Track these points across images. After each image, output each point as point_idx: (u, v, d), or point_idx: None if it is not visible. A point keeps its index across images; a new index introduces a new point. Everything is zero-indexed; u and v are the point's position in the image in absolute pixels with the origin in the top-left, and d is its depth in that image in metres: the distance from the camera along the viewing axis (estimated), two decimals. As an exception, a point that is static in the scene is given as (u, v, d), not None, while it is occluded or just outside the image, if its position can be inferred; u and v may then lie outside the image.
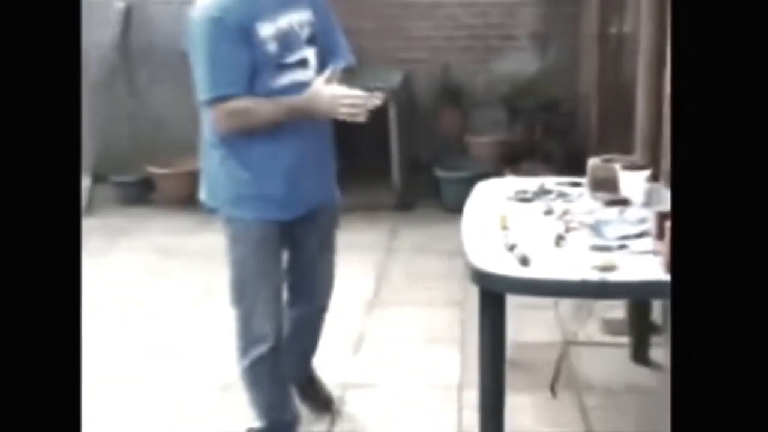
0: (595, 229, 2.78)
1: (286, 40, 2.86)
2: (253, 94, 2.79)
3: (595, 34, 6.02)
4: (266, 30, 2.79)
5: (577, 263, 2.51)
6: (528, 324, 3.99)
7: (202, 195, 3.10)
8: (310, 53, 2.94)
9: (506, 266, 2.51)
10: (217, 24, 2.72)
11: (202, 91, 2.79)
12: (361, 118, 2.78)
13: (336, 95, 2.79)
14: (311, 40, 2.95)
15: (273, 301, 3.06)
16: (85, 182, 6.58)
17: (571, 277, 2.44)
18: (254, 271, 3.01)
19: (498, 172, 5.31)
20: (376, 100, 2.81)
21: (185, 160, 6.72)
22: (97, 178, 6.71)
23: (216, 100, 2.78)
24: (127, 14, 6.94)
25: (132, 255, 5.58)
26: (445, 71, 6.73)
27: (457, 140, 6.77)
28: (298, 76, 2.89)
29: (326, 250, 3.29)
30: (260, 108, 2.81)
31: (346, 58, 3.06)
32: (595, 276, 2.42)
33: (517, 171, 5.71)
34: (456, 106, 6.80)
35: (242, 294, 3.04)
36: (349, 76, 3.03)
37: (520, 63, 6.83)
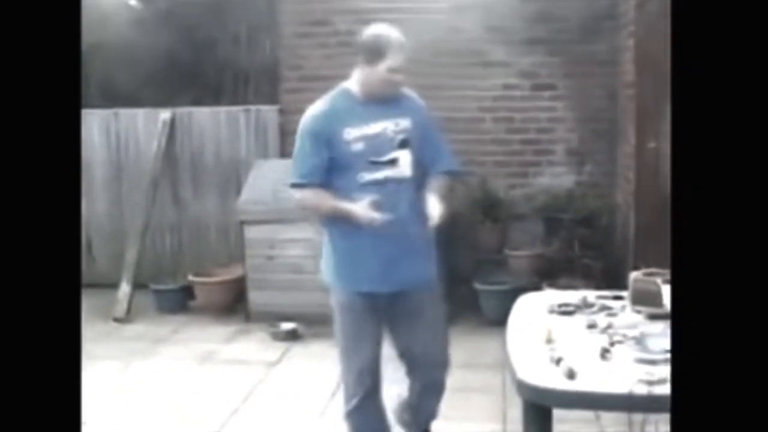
0: (639, 343, 2.77)
1: (376, 143, 3.48)
2: (342, 185, 3.47)
3: (632, 148, 6.09)
4: (353, 134, 3.46)
5: (623, 376, 2.50)
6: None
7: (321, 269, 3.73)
8: (401, 154, 3.53)
9: (553, 379, 2.51)
10: (305, 130, 3.51)
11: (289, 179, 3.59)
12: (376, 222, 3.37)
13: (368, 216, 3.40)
14: (404, 144, 3.53)
15: (367, 360, 3.61)
16: (126, 289, 6.67)
17: (618, 390, 2.43)
18: (350, 335, 3.61)
19: (537, 286, 5.32)
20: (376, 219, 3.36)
21: (225, 269, 6.81)
22: (137, 285, 6.80)
23: (293, 186, 3.55)
24: (172, 124, 7.14)
25: (171, 362, 5.60)
26: (483, 185, 6.82)
27: (496, 254, 6.81)
28: (389, 172, 3.49)
29: (429, 326, 3.70)
30: (322, 201, 3.53)
31: (446, 165, 3.68)
32: (642, 389, 2.41)
33: (556, 285, 5.73)
34: (495, 220, 6.86)
35: (342, 353, 3.64)
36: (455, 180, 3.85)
37: (557, 177, 6.92)
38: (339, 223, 3.50)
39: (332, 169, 3.48)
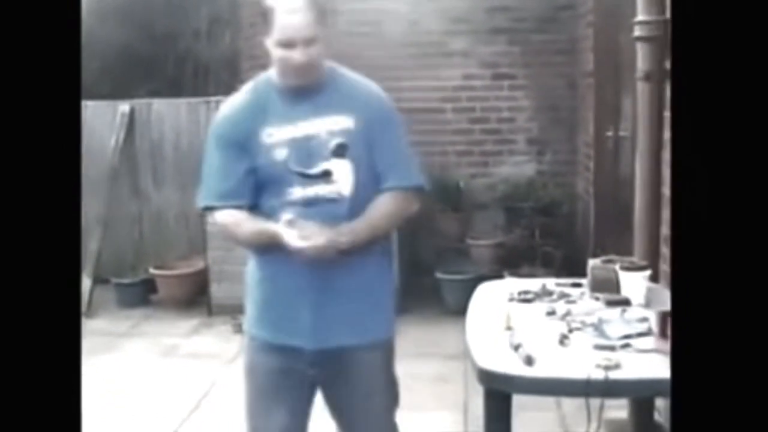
0: (597, 329, 2.80)
1: (305, 149, 2.58)
2: (265, 205, 2.62)
3: (592, 137, 6.14)
4: (275, 136, 2.59)
5: (581, 362, 2.52)
6: (532, 426, 3.96)
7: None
8: (337, 165, 2.59)
9: (512, 366, 2.53)
10: (215, 135, 2.70)
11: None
12: (308, 253, 2.46)
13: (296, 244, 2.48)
14: (340, 151, 2.59)
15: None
16: (86, 284, 6.61)
17: (576, 375, 2.46)
18: (260, 404, 2.78)
19: (498, 275, 5.35)
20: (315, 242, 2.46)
21: (186, 262, 6.77)
22: (98, 280, 6.74)
23: (205, 210, 2.80)
24: (131, 116, 7.07)
25: (133, 356, 5.56)
26: (444, 176, 6.84)
27: (458, 243, 6.84)
28: (320, 189, 2.59)
29: (376, 399, 2.82)
30: (241, 226, 2.66)
31: (403, 179, 2.69)
32: (599, 374, 2.43)
33: (517, 273, 5.76)
34: (456, 210, 6.89)
35: (250, 423, 2.82)
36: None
37: (518, 166, 6.96)
38: (265, 253, 2.66)
39: (254, 184, 2.64)
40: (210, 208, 2.72)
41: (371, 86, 2.74)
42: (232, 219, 2.66)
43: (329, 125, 2.60)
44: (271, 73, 2.67)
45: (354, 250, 2.54)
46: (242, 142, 2.61)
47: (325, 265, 2.54)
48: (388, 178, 2.65)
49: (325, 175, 2.59)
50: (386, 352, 2.84)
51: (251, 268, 2.78)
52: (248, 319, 2.80)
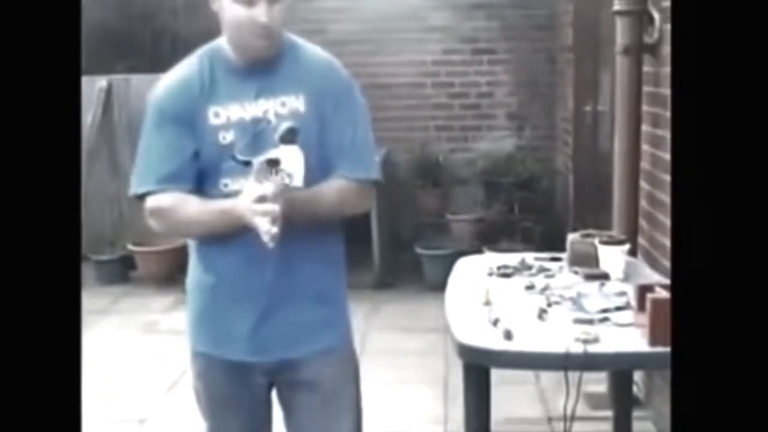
0: (576, 303, 2.81)
1: (251, 133, 2.23)
2: (202, 195, 2.25)
3: (571, 113, 6.15)
4: (220, 117, 2.23)
5: (560, 336, 2.53)
6: (511, 400, 3.99)
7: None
8: (284, 153, 2.23)
9: (490, 340, 2.53)
10: (154, 111, 2.30)
11: (131, 186, 2.32)
12: (266, 238, 2.08)
13: (253, 198, 2.10)
14: (290, 136, 2.23)
15: None
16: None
17: (554, 349, 2.47)
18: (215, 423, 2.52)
19: (478, 250, 5.36)
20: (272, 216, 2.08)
21: (165, 238, 6.72)
22: (77, 258, 6.69)
23: (140, 197, 2.28)
24: (109, 92, 7.01)
25: (112, 333, 5.55)
26: (424, 151, 6.84)
27: (438, 218, 6.85)
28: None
29: (336, 410, 2.44)
30: (186, 208, 2.24)
31: (356, 170, 2.30)
32: (578, 348, 2.45)
33: (496, 249, 5.78)
34: (435, 185, 6.90)
35: None
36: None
37: (497, 141, 6.97)
38: (212, 244, 2.32)
39: (197, 170, 2.27)
40: (148, 194, 2.26)
41: (329, 61, 2.35)
42: (176, 199, 2.23)
43: (278, 107, 2.23)
44: (220, 42, 2.29)
45: (291, 225, 2.11)
46: (187, 120, 2.23)
47: (277, 264, 2.22)
48: (339, 166, 2.27)
49: (273, 165, 2.21)
50: (344, 355, 2.48)
51: (191, 270, 2.44)
52: (191, 334, 2.46)
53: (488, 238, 6.43)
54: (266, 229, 2.06)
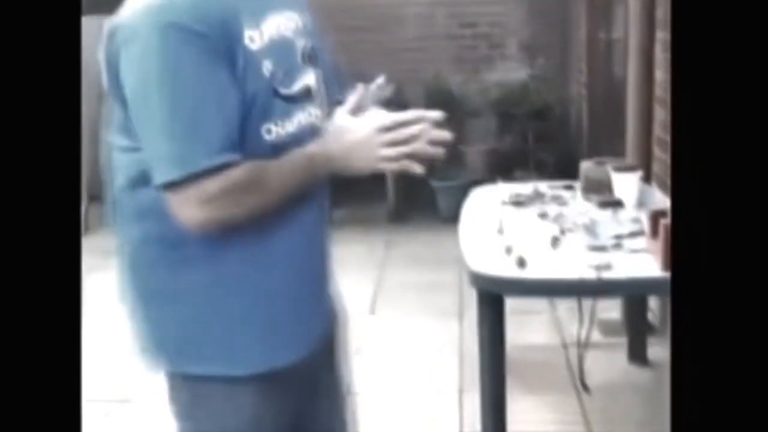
0: (589, 230, 2.82)
1: (282, 58, 1.65)
2: (245, 153, 1.59)
3: (584, 40, 6.08)
4: (256, 41, 1.61)
5: (573, 263, 2.54)
6: (525, 328, 4.03)
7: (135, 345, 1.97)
8: (312, 78, 1.73)
9: (504, 268, 2.55)
10: (183, 33, 1.52)
11: (162, 167, 1.57)
12: (418, 169, 1.76)
13: (379, 128, 1.69)
14: (312, 58, 1.74)
15: None
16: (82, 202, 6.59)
17: (568, 276, 2.48)
18: None
19: (492, 181, 5.35)
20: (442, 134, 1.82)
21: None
22: (93, 198, 6.72)
23: (190, 180, 1.54)
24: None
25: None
26: (436, 82, 6.79)
27: (451, 150, 6.81)
28: (302, 117, 1.70)
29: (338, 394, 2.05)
30: (266, 177, 1.62)
31: (344, 95, 1.82)
32: (592, 274, 2.45)
33: (510, 179, 5.76)
34: (448, 116, 6.85)
35: None
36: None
37: (510, 71, 6.90)
38: (260, 227, 1.65)
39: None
40: (207, 173, 1.54)
41: None
42: (252, 169, 1.59)
43: (287, 22, 1.71)
44: None
45: None
46: (226, 47, 1.56)
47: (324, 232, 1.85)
48: (336, 86, 1.87)
49: (306, 95, 1.71)
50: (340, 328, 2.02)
51: (183, 272, 1.76)
52: (193, 348, 1.87)
53: (502, 168, 6.41)
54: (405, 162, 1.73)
